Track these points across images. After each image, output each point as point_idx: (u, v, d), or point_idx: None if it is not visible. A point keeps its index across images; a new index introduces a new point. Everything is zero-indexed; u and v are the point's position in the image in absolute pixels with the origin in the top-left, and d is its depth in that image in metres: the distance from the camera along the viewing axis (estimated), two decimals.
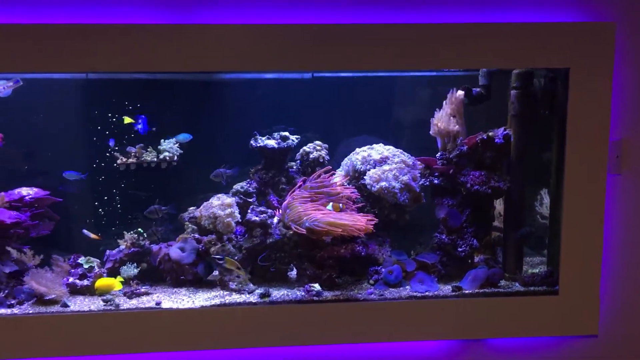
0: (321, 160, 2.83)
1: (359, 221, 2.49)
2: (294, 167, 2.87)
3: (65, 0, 2.26)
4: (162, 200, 2.81)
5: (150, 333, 2.35)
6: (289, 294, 2.53)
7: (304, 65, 2.31)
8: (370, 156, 2.78)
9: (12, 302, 2.45)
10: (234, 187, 2.82)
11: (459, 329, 2.45)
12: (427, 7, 2.36)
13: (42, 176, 2.82)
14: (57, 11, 2.25)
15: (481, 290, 2.55)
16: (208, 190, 2.83)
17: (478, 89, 2.75)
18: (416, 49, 2.28)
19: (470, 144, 2.67)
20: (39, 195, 2.69)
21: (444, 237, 2.70)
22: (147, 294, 2.56)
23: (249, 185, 2.81)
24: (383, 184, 2.66)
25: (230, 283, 2.58)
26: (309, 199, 2.57)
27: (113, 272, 2.67)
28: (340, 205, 2.56)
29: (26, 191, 2.69)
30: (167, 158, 2.84)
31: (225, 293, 2.56)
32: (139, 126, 2.76)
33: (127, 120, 2.76)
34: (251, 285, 2.59)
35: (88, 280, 2.60)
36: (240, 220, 2.70)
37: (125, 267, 2.66)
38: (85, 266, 2.64)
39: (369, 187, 2.71)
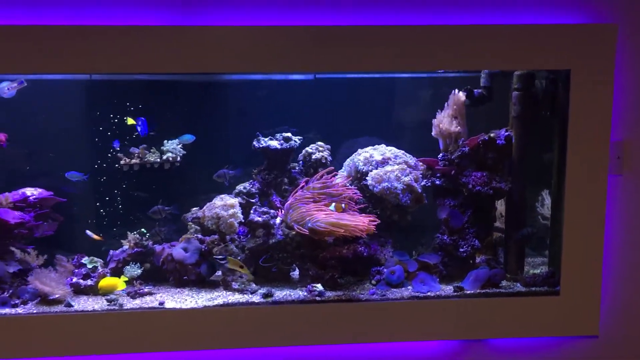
0: (323, 161, 2.84)
1: (361, 222, 2.50)
2: (297, 168, 2.88)
3: (66, 2, 2.27)
4: (165, 200, 2.81)
5: (153, 333, 2.36)
6: (292, 294, 2.54)
7: (304, 67, 2.31)
8: (372, 157, 2.78)
9: (17, 301, 2.45)
10: (237, 187, 2.82)
11: (460, 329, 2.46)
12: (429, 9, 2.37)
13: (46, 177, 2.83)
14: (58, 12, 2.26)
15: (483, 291, 2.56)
16: (211, 191, 2.83)
17: (479, 91, 2.75)
18: (418, 51, 2.29)
19: (472, 145, 2.68)
20: (43, 196, 2.70)
21: (445, 238, 2.71)
22: (150, 294, 2.57)
23: (251, 185, 2.81)
24: (385, 184, 2.67)
25: (233, 283, 2.59)
26: (311, 200, 2.58)
27: (116, 272, 2.68)
28: (343, 205, 2.57)
29: (30, 191, 2.70)
30: (170, 159, 2.85)
31: (228, 293, 2.57)
32: (139, 128, 2.76)
33: (131, 121, 2.77)
34: (254, 285, 2.59)
35: (92, 280, 2.60)
36: (243, 221, 2.71)
37: (128, 267, 2.67)
38: (89, 266, 2.64)
39: (371, 187, 2.71)
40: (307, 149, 2.87)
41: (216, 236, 2.70)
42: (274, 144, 2.78)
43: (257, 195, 2.81)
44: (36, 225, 2.65)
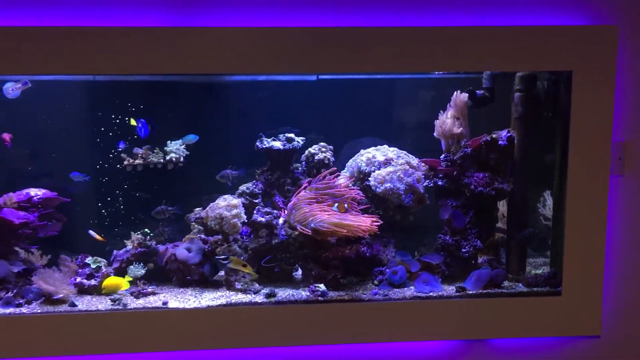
0: (326, 162, 2.84)
1: (364, 222, 2.51)
2: (300, 169, 2.88)
3: (67, 3, 2.27)
4: (168, 201, 2.82)
5: (156, 333, 2.37)
6: (295, 294, 2.55)
7: (305, 68, 2.32)
8: (375, 158, 2.79)
9: (21, 301, 2.46)
10: (240, 188, 2.83)
11: (462, 329, 2.46)
12: (431, 11, 2.37)
13: (49, 177, 2.85)
14: (58, 13, 2.27)
15: (485, 291, 2.56)
16: (213, 192, 2.84)
17: (482, 92, 2.75)
18: (420, 52, 2.30)
19: (474, 145, 2.69)
20: (47, 196, 2.71)
21: (447, 238, 2.72)
22: (153, 293, 2.58)
23: (254, 186, 2.82)
24: (388, 185, 2.67)
25: (236, 283, 2.60)
26: (314, 200, 2.59)
27: (120, 272, 2.68)
28: (345, 206, 2.57)
29: (34, 192, 2.71)
30: (174, 159, 2.86)
31: (231, 293, 2.58)
32: (140, 130, 2.77)
33: (134, 122, 2.78)
34: (257, 285, 2.60)
35: (95, 280, 2.61)
36: (246, 221, 2.72)
37: (132, 267, 2.68)
38: (93, 266, 2.65)
39: (373, 188, 2.71)
40: (309, 149, 2.88)
41: (219, 236, 2.71)
42: (277, 144, 2.79)
43: (260, 196, 2.81)
44: (40, 226, 2.66)
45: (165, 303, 2.47)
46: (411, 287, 2.60)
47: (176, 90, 2.93)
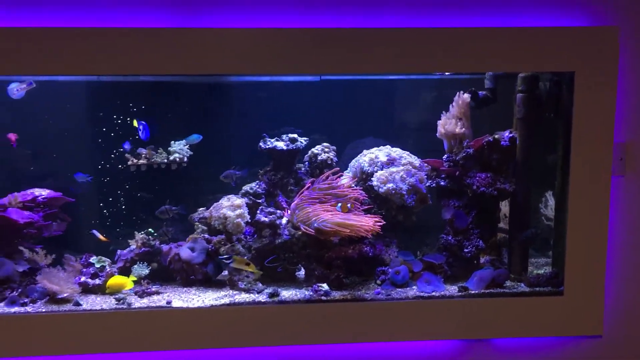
0: (329, 162, 2.85)
1: (367, 222, 2.52)
2: (303, 169, 2.89)
3: (69, 5, 2.28)
4: (172, 201, 2.83)
5: (160, 332, 2.38)
6: (298, 293, 2.55)
7: (305, 69, 2.32)
8: (378, 158, 2.80)
9: (26, 300, 2.47)
10: (243, 188, 2.84)
11: (465, 329, 2.47)
12: (433, 12, 2.38)
13: (53, 177, 2.86)
14: (59, 14, 2.28)
15: (487, 291, 2.57)
16: (217, 192, 2.85)
17: (484, 92, 2.77)
18: (422, 53, 2.31)
19: (477, 146, 2.70)
20: (52, 196, 2.72)
21: (450, 238, 2.72)
22: (157, 293, 2.59)
23: (258, 186, 2.83)
24: (390, 185, 2.68)
25: (240, 283, 2.61)
26: (317, 200, 2.59)
27: (124, 272, 2.69)
28: (349, 206, 2.58)
29: (39, 192, 2.72)
30: (177, 159, 2.87)
31: (234, 292, 2.58)
32: (140, 132, 2.79)
33: (137, 124, 2.80)
34: (260, 285, 2.61)
35: (100, 279, 2.62)
36: (249, 221, 2.73)
37: (136, 266, 2.69)
38: (97, 265, 2.66)
39: (376, 188, 2.72)
40: (312, 150, 2.88)
41: (223, 236, 2.72)
42: (280, 145, 2.80)
43: (263, 196, 2.82)
44: (45, 225, 2.67)
45: (169, 302, 2.48)
46: (414, 287, 2.60)
47: (181, 90, 2.95)
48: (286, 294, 2.55)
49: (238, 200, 2.73)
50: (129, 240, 2.80)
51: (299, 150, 2.84)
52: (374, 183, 2.73)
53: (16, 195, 2.66)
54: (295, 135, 2.84)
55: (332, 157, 2.87)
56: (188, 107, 2.98)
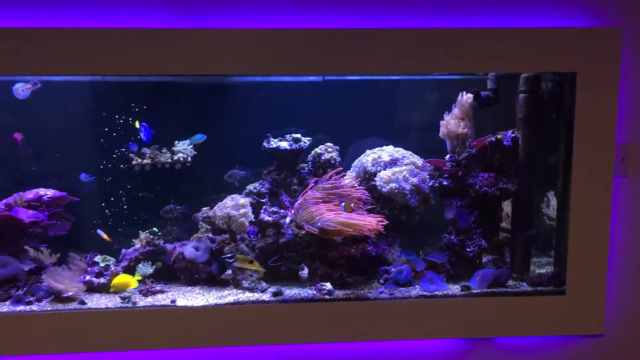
0: (332, 162, 2.86)
1: (370, 222, 2.52)
2: (306, 169, 2.90)
3: (69, 5, 2.29)
4: (176, 200, 2.84)
5: (165, 330, 2.39)
6: (301, 292, 2.56)
7: (306, 69, 2.33)
8: (381, 158, 2.81)
9: (31, 299, 2.48)
10: (247, 187, 2.85)
11: (467, 328, 2.48)
12: (435, 13, 2.39)
13: (57, 177, 2.87)
14: (61, 15, 2.29)
15: (489, 290, 2.58)
16: (220, 191, 2.86)
17: (486, 93, 2.78)
18: (425, 54, 2.31)
19: (479, 146, 2.71)
20: (57, 195, 2.73)
21: (452, 238, 2.73)
22: (162, 292, 2.60)
23: (261, 186, 2.84)
24: (393, 185, 2.69)
25: (243, 282, 2.62)
26: (321, 200, 2.60)
27: (128, 271, 2.71)
28: (352, 205, 2.58)
29: (44, 191, 2.73)
30: (181, 159, 2.88)
31: (238, 291, 2.59)
32: (142, 134, 2.80)
33: (137, 125, 2.81)
34: (264, 284, 2.62)
35: (104, 278, 2.63)
36: (253, 220, 2.74)
37: (140, 265, 2.70)
38: (102, 264, 2.67)
39: (379, 188, 2.73)
40: (316, 149, 2.90)
41: (227, 235, 2.73)
42: (284, 144, 2.81)
43: (267, 195, 2.83)
44: (50, 224, 2.68)
45: (173, 301, 2.49)
46: (416, 286, 2.61)
47: (185, 90, 2.96)
48: (290, 292, 2.56)
49: (242, 200, 2.74)
50: (134, 240, 2.81)
51: (302, 150, 2.85)
52: (377, 183, 2.74)
53: (21, 195, 2.67)
54: (299, 135, 2.85)
55: (335, 156, 2.88)
56: (192, 107, 2.99)
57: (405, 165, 2.77)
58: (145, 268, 2.69)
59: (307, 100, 2.94)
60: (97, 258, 2.71)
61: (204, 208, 2.87)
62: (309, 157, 2.92)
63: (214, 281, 2.72)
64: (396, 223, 2.77)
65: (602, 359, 2.63)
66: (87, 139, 2.93)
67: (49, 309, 2.44)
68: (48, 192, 2.73)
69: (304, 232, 2.63)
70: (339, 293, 2.53)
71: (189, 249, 2.70)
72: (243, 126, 3.01)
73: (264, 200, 2.80)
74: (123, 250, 2.79)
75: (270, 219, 2.71)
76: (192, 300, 2.51)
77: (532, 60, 2.36)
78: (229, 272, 2.71)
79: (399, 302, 2.48)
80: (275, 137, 2.84)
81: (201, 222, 2.85)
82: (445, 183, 2.77)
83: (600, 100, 2.37)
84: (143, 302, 2.50)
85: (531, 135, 2.68)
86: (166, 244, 2.80)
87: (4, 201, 2.66)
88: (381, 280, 2.65)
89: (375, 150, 2.88)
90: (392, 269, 2.64)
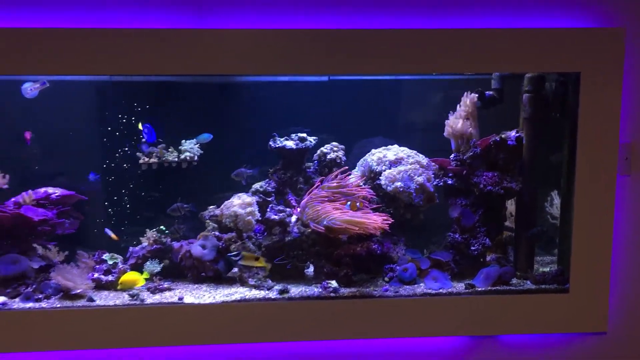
0: (338, 161, 2.87)
1: (375, 220, 2.53)
2: (312, 168, 2.91)
3: (70, 5, 2.31)
4: (183, 199, 2.86)
5: (172, 327, 2.41)
6: (307, 290, 2.58)
7: (308, 69, 2.34)
8: (386, 157, 2.82)
9: (40, 296, 2.49)
10: (253, 186, 2.86)
11: (471, 326, 2.49)
12: (442, 13, 2.40)
13: (64, 176, 2.89)
14: (62, 15, 2.31)
15: (493, 288, 2.58)
16: (226, 190, 2.87)
17: (491, 93, 2.78)
18: (432, 54, 2.33)
19: (484, 145, 2.72)
20: (65, 194, 2.75)
21: (457, 236, 2.74)
22: (169, 289, 2.61)
23: (267, 184, 2.85)
24: (398, 184, 2.70)
25: (250, 279, 2.64)
26: (326, 199, 2.61)
27: (136, 269, 2.72)
28: (357, 204, 2.59)
29: (52, 190, 2.74)
30: (188, 158, 2.90)
31: (244, 289, 2.61)
32: (145, 135, 2.82)
33: (141, 127, 2.84)
34: (270, 281, 2.64)
35: (112, 275, 2.65)
36: (259, 219, 2.75)
37: (148, 263, 2.72)
38: (110, 262, 2.69)
39: (384, 187, 2.74)
40: (322, 149, 2.90)
41: (233, 234, 2.74)
42: (290, 144, 2.82)
43: (273, 194, 2.84)
44: (58, 223, 2.69)
45: (180, 298, 2.51)
46: (421, 284, 2.62)
47: (192, 90, 2.97)
48: (295, 290, 2.57)
49: (249, 199, 2.75)
50: (141, 238, 2.83)
51: (308, 149, 2.86)
52: (382, 182, 2.75)
53: (30, 193, 2.68)
54: (305, 135, 2.85)
55: (340, 156, 2.89)
56: (199, 107, 3.00)
57: (410, 164, 2.78)
58: (153, 266, 2.71)
59: (312, 99, 2.95)
60: (105, 256, 2.72)
61: (211, 207, 2.87)
62: (315, 156, 2.92)
63: (220, 279, 2.73)
64: (401, 222, 2.78)
65: (605, 357, 2.64)
66: (94, 138, 2.94)
67: (58, 306, 2.45)
68: (57, 191, 2.74)
69: (309, 230, 2.64)
70: (344, 291, 2.54)
71: (196, 247, 2.72)
72: (249, 125, 3.01)
73: (270, 199, 2.82)
74: (131, 248, 2.81)
75: (276, 217, 2.73)
76: (199, 297, 2.53)
77: (536, 60, 2.37)
78: (236, 270, 2.72)
79: (404, 300, 2.49)
80: (281, 136, 2.85)
81: (208, 221, 2.86)
82: (449, 182, 2.78)
83: (603, 100, 2.38)
84: (151, 299, 2.52)
85: (535, 135, 2.69)
86: (173, 242, 2.81)
87: (12, 199, 2.68)
88: (386, 278, 2.66)
89: (381, 149, 2.89)
90: (397, 267, 2.66)
